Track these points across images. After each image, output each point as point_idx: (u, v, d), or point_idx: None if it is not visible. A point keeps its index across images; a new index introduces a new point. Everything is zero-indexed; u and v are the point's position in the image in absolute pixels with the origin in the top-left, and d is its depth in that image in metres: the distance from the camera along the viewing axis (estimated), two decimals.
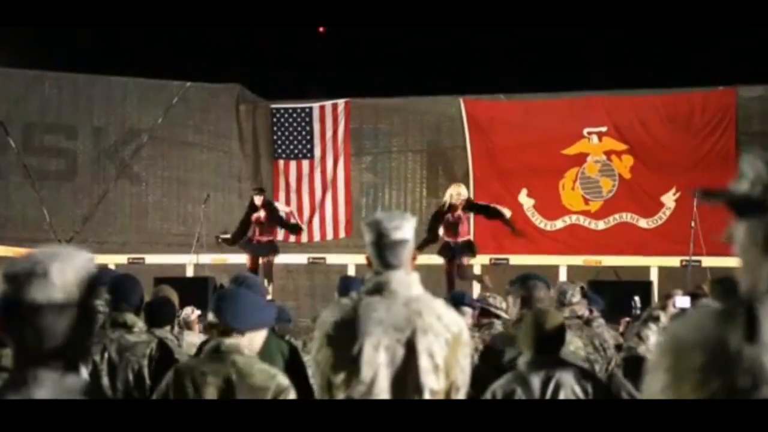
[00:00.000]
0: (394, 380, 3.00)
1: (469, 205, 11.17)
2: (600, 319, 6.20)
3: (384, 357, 3.01)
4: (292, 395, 3.48)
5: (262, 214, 12.18)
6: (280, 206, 13.06)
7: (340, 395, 3.04)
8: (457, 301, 6.00)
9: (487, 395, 3.93)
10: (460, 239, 10.96)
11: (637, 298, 8.46)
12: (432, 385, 3.00)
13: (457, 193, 10.91)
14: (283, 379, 3.52)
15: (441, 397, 3.03)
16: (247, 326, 3.63)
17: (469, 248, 11.03)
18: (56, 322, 1.78)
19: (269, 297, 9.11)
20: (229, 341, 3.57)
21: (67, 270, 1.79)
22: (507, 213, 11.14)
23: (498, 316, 6.25)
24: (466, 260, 10.99)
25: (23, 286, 1.77)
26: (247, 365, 3.52)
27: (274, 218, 12.30)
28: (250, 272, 10.33)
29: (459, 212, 10.91)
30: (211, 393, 3.47)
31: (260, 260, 12.18)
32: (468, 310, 6.05)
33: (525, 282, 5.15)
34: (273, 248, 12.33)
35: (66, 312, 1.79)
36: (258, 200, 12.24)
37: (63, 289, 1.78)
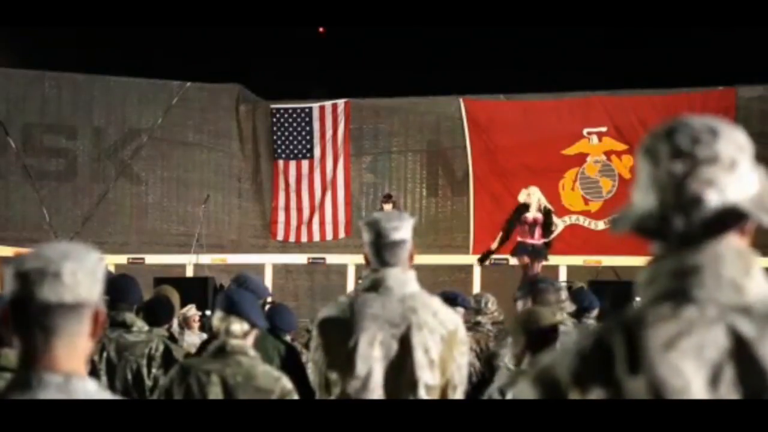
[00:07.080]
0: (388, 375, 3.02)
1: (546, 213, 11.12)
2: (594, 313, 6.22)
3: (379, 352, 3.02)
4: (295, 398, 3.50)
5: None
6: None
7: (336, 390, 3.05)
8: (450, 301, 6.00)
9: (485, 395, 3.93)
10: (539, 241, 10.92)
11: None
12: (427, 379, 3.01)
13: (537, 197, 10.94)
14: (288, 383, 3.53)
15: (437, 393, 3.04)
16: (262, 325, 3.68)
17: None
18: (65, 323, 1.77)
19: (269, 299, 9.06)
20: (235, 342, 3.57)
21: (78, 270, 1.78)
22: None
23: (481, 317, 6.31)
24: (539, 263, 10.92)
25: (34, 284, 1.75)
26: (252, 366, 3.53)
27: None
28: None
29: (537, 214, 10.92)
30: (215, 393, 3.48)
31: None
32: (460, 310, 6.04)
33: (533, 286, 5.26)
34: None
35: (76, 313, 1.78)
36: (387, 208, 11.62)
37: (73, 290, 1.77)
